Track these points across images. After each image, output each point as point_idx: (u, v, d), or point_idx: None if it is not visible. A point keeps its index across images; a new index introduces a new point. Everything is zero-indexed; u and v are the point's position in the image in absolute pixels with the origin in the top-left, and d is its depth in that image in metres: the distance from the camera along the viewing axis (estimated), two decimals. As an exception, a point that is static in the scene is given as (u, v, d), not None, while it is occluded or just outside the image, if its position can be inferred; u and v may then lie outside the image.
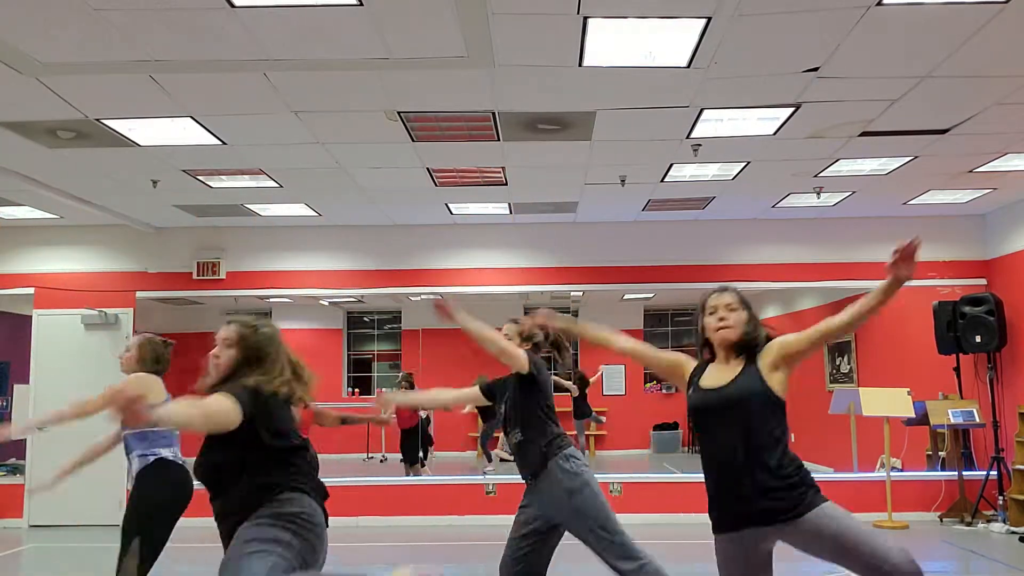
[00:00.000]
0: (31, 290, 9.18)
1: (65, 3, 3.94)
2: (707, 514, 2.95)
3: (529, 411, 3.92)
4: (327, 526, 3.00)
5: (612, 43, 4.52)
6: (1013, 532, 7.71)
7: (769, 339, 3.04)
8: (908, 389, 8.52)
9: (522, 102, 5.45)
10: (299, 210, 8.57)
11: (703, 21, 4.25)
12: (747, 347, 2.99)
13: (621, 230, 9.37)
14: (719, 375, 2.98)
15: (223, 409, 2.75)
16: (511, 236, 9.42)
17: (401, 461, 10.80)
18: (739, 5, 4.08)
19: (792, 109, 5.61)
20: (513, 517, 3.94)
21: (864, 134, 6.20)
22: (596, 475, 3.87)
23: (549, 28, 4.32)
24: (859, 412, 8.57)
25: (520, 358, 3.92)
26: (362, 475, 11.22)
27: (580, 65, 4.79)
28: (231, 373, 2.98)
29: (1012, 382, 8.53)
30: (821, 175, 7.38)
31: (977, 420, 8.40)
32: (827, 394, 11.30)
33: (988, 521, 8.05)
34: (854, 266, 9.27)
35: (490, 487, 8.72)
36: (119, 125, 5.80)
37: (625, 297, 15.07)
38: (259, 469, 2.86)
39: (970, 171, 7.33)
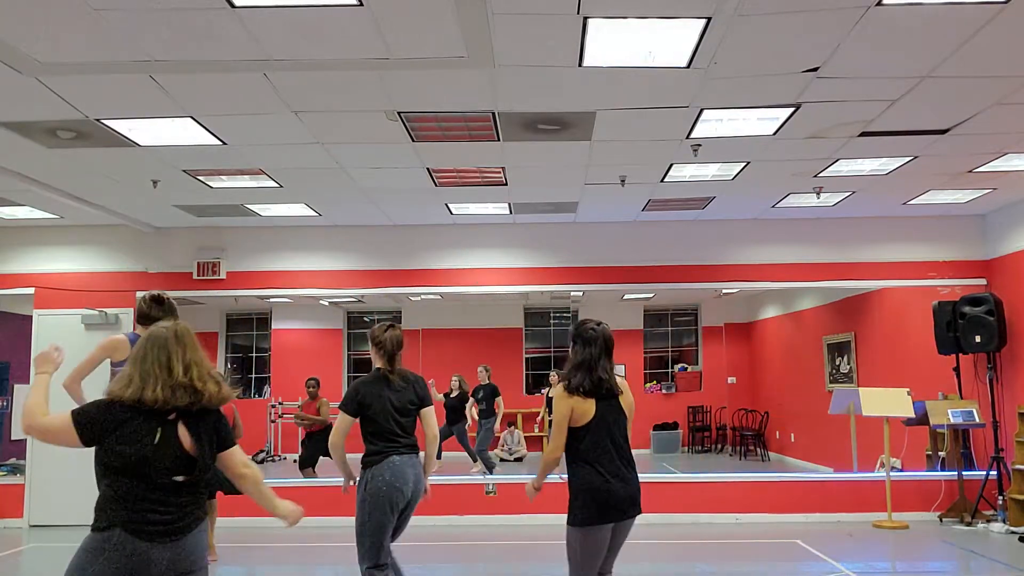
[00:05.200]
0: (31, 290, 9.19)
1: (65, 3, 3.94)
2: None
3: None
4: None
5: (612, 43, 4.52)
6: (1013, 532, 7.72)
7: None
8: (908, 389, 8.53)
9: (522, 102, 5.46)
10: (299, 210, 8.58)
11: (703, 21, 4.25)
12: None
13: (621, 230, 9.37)
14: None
15: None
16: (511, 236, 9.42)
17: (294, 461, 10.76)
18: (739, 5, 4.08)
19: (792, 109, 5.61)
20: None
21: (864, 134, 6.20)
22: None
23: (549, 28, 4.32)
24: (859, 412, 8.57)
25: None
26: (362, 475, 11.19)
27: (580, 65, 4.79)
28: None
29: (1012, 382, 8.53)
30: (821, 175, 7.38)
31: (977, 420, 8.40)
32: (827, 394, 11.31)
33: (988, 521, 8.06)
34: (854, 266, 9.28)
35: (490, 487, 8.71)
36: (119, 125, 5.80)
37: (625, 297, 15.09)
38: None
39: (970, 171, 7.34)
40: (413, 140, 6.23)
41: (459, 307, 15.65)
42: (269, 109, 5.50)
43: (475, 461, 11.62)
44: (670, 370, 16.77)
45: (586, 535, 3.64)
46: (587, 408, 3.70)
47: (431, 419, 4.56)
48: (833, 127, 6.03)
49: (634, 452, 3.88)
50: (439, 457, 10.71)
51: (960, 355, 8.76)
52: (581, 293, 13.75)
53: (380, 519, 4.31)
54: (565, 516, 3.73)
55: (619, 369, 16.42)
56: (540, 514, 8.36)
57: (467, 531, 8.28)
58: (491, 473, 10.81)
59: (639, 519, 3.85)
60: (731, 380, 16.28)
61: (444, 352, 15.56)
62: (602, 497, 3.62)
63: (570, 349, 3.88)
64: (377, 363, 4.55)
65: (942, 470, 8.89)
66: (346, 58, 4.65)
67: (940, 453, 9.08)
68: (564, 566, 3.80)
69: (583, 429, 3.69)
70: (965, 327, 8.50)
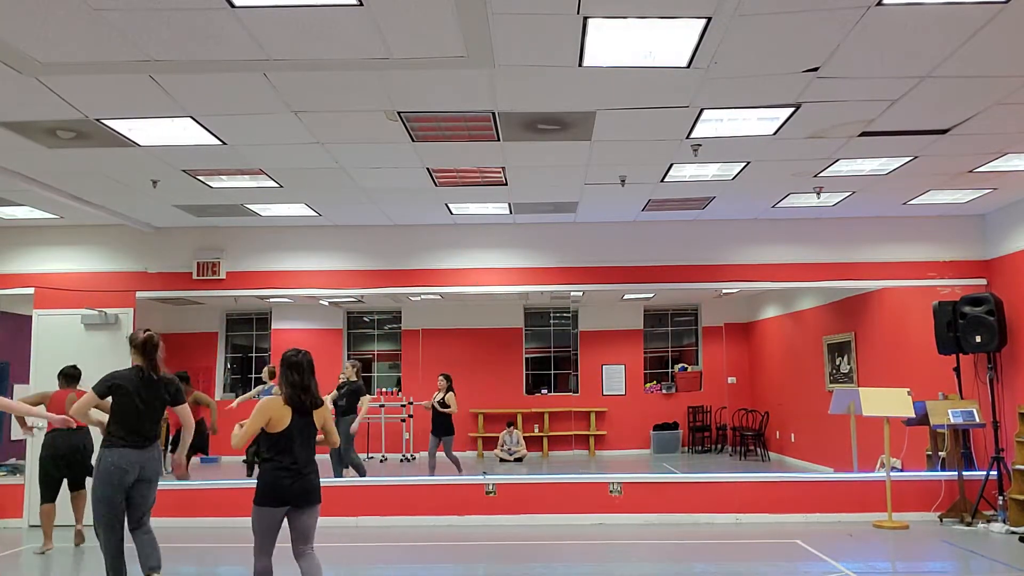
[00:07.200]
0: (31, 290, 9.19)
1: (65, 3, 3.94)
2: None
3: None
4: None
5: (612, 43, 4.52)
6: (1013, 532, 7.72)
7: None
8: (908, 389, 8.53)
9: (522, 102, 5.46)
10: (299, 210, 8.58)
11: (703, 21, 4.25)
12: None
13: (621, 230, 9.37)
14: None
15: None
16: (511, 236, 9.42)
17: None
18: (739, 5, 4.08)
19: (792, 109, 5.61)
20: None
21: (864, 134, 6.20)
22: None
23: (549, 28, 4.32)
24: (859, 412, 8.57)
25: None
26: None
27: (580, 65, 4.79)
28: None
29: (1012, 382, 8.53)
30: (821, 175, 7.39)
31: (977, 420, 8.40)
32: (827, 394, 11.31)
33: (988, 521, 8.06)
34: (854, 266, 9.28)
35: (490, 487, 8.71)
36: (119, 125, 5.80)
37: (625, 297, 15.09)
38: None
39: (970, 171, 7.34)
40: (413, 140, 6.23)
41: (459, 307, 15.65)
42: (269, 109, 5.50)
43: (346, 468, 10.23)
44: (670, 370, 16.76)
45: (260, 513, 4.54)
46: (286, 418, 4.54)
47: (185, 412, 5.42)
48: (833, 127, 6.03)
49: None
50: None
51: (960, 355, 8.76)
52: (581, 293, 13.75)
53: (107, 492, 5.06)
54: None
55: (619, 369, 16.46)
56: (540, 514, 8.36)
57: (467, 531, 8.28)
58: (362, 476, 9.91)
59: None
60: (731, 380, 16.28)
61: (444, 352, 15.56)
62: (278, 487, 4.51)
63: (279, 372, 4.68)
64: (136, 362, 5.24)
65: (942, 470, 8.89)
66: (346, 58, 4.65)
67: (940, 453, 9.08)
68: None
69: (277, 434, 4.53)
70: (965, 327, 8.50)
